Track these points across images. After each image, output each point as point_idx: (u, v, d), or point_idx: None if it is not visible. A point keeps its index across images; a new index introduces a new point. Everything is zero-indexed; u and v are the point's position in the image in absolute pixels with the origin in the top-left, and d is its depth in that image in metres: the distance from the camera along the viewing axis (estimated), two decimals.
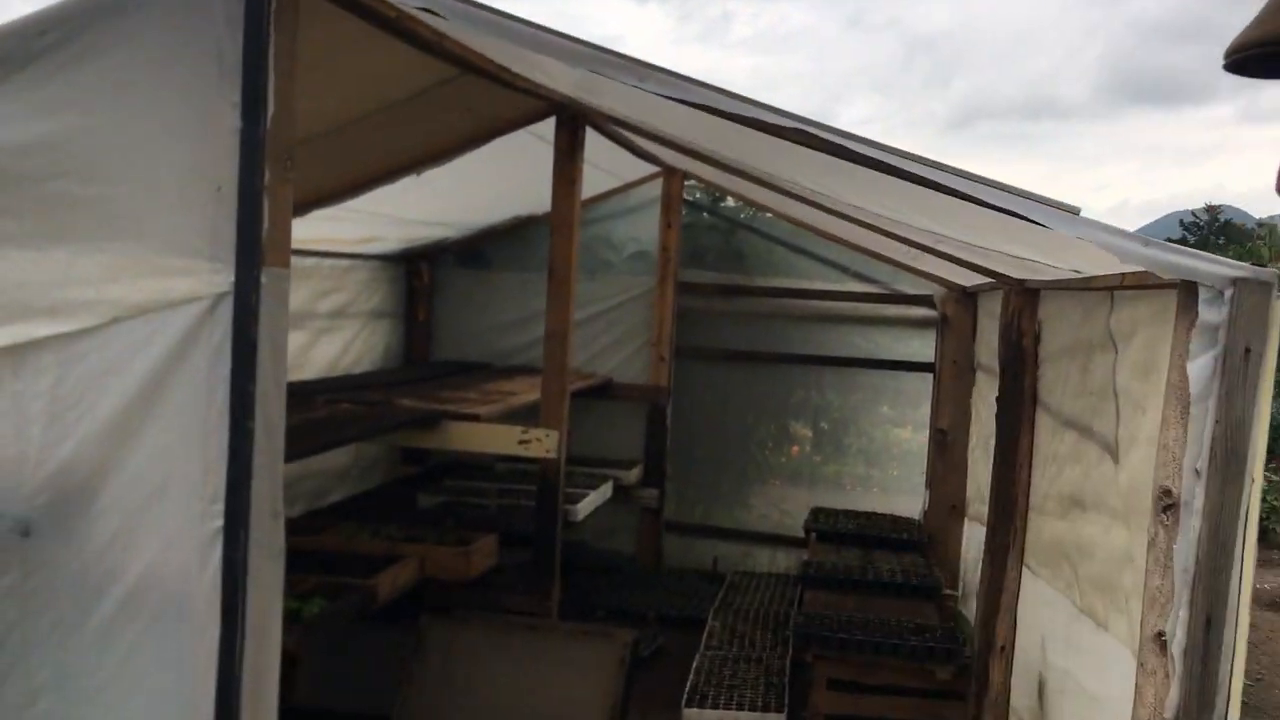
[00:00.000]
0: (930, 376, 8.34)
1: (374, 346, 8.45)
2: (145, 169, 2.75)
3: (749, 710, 5.77)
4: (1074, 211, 2.79)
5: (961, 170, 2.80)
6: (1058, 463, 4.78)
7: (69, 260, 2.70)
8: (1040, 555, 4.91)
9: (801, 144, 2.87)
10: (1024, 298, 5.28)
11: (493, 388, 7.23)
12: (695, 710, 5.79)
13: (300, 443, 4.58)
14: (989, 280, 6.26)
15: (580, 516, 6.99)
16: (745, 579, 8.36)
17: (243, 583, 2.81)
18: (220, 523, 2.81)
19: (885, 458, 8.88)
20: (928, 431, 8.62)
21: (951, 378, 8.03)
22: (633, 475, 8.35)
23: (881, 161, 2.79)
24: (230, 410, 2.77)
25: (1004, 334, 5.36)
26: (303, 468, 7.44)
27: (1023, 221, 2.77)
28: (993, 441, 6.83)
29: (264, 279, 2.78)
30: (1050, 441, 4.92)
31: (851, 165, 2.90)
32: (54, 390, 2.74)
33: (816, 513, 8.12)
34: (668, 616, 7.56)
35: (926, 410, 8.65)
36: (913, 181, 2.82)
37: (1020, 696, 5.10)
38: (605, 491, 7.74)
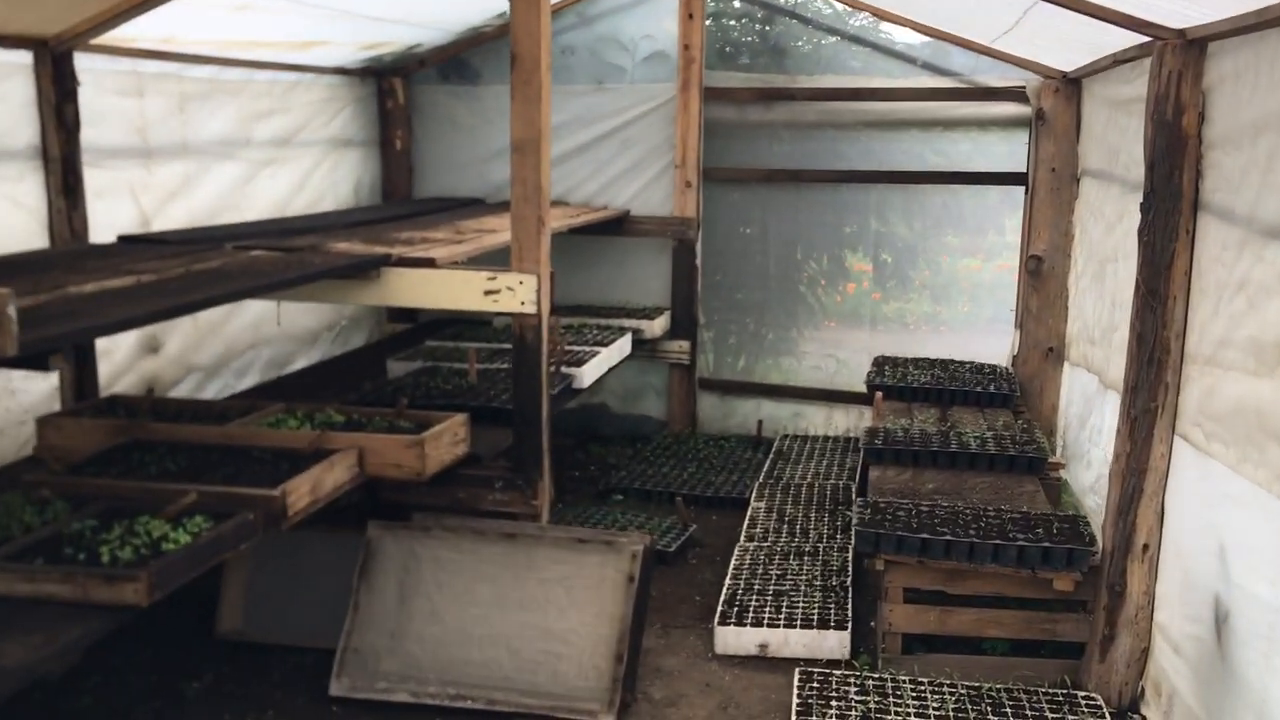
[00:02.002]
0: (1019, 191, 6.72)
1: (339, 183, 6.99)
2: None
3: (800, 628, 4.47)
4: None
5: None
6: (1249, 293, 3.25)
7: None
8: (1217, 425, 3.43)
9: None
10: (1184, 56, 3.67)
11: (471, 225, 5.77)
12: (732, 629, 4.49)
13: (126, 307, 3.19)
14: (1110, 55, 4.60)
15: (586, 382, 5.61)
16: (796, 445, 6.99)
17: None
18: None
19: (953, 292, 7.34)
20: (1000, 261, 7.09)
21: (1049, 190, 6.42)
22: (657, 326, 6.93)
23: None
24: None
25: (1154, 113, 3.76)
26: (255, 333, 6.13)
27: None
28: (1110, 267, 5.28)
29: None
30: (1233, 262, 3.38)
31: None
32: None
33: (881, 363, 6.67)
34: (701, 497, 6.24)
35: (996, 237, 7.08)
36: None
37: (1178, 619, 3.70)
38: (622, 347, 6.34)
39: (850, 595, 4.73)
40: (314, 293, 4.32)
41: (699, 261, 7.26)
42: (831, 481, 6.25)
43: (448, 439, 4.30)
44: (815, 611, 4.58)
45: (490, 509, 4.46)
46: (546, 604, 4.11)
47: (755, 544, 5.35)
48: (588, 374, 5.62)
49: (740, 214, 7.43)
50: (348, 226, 5.55)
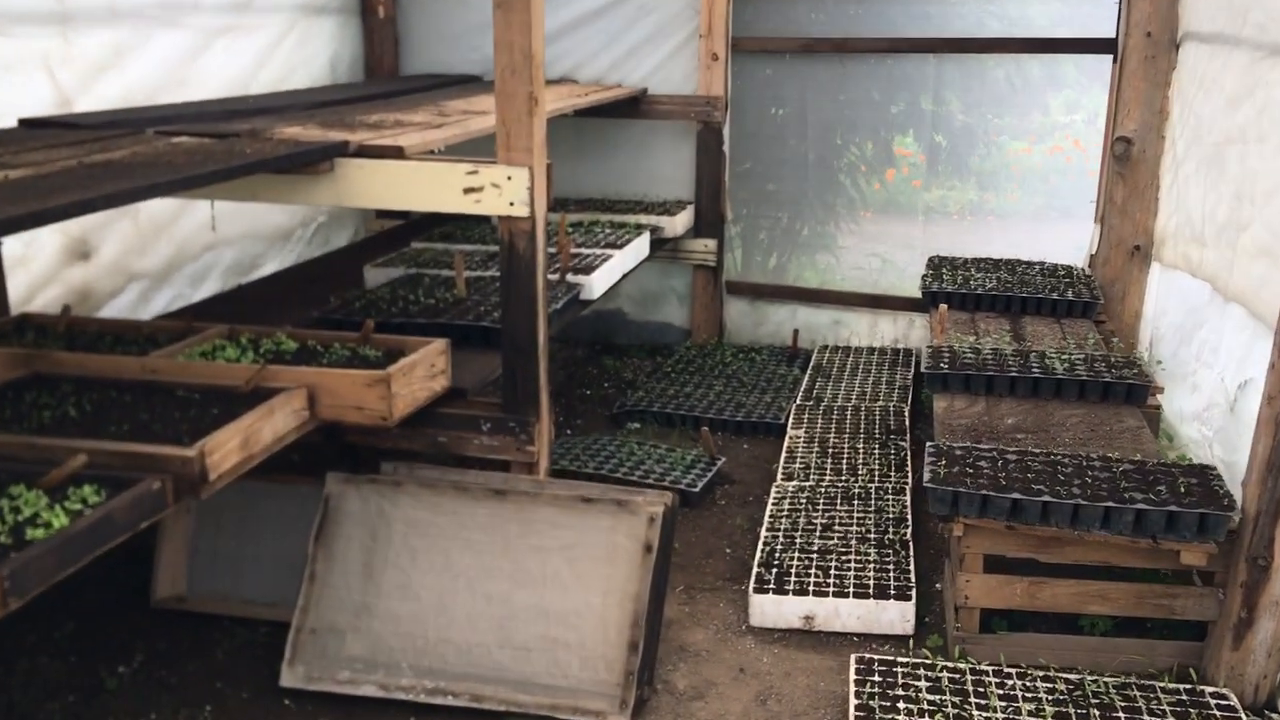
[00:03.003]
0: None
1: (312, 58, 6.04)
2: None
3: (853, 597, 3.69)
4: None
5: None
6: None
7: None
8: None
9: None
10: None
11: (459, 106, 4.86)
12: (770, 598, 3.72)
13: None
14: None
15: (596, 292, 4.77)
16: (836, 358, 6.15)
17: None
18: None
19: (1001, 179, 6.40)
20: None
21: (1142, 59, 5.42)
22: (679, 223, 6.04)
23: None
24: None
25: None
26: (213, 233, 5.28)
27: None
28: (1234, 152, 4.33)
29: None
30: None
31: None
32: None
33: (938, 266, 5.78)
34: (730, 422, 5.43)
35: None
36: None
37: None
38: (639, 249, 5.47)
39: (912, 553, 3.94)
40: (244, 190, 3.45)
41: (726, 148, 6.31)
42: (880, 404, 5.42)
43: (422, 372, 3.47)
44: (870, 575, 3.80)
45: (477, 455, 3.66)
46: (544, 578, 3.33)
47: (795, 484, 4.55)
48: (597, 283, 4.77)
49: (774, 92, 6.45)
50: (310, 108, 4.63)
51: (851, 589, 3.71)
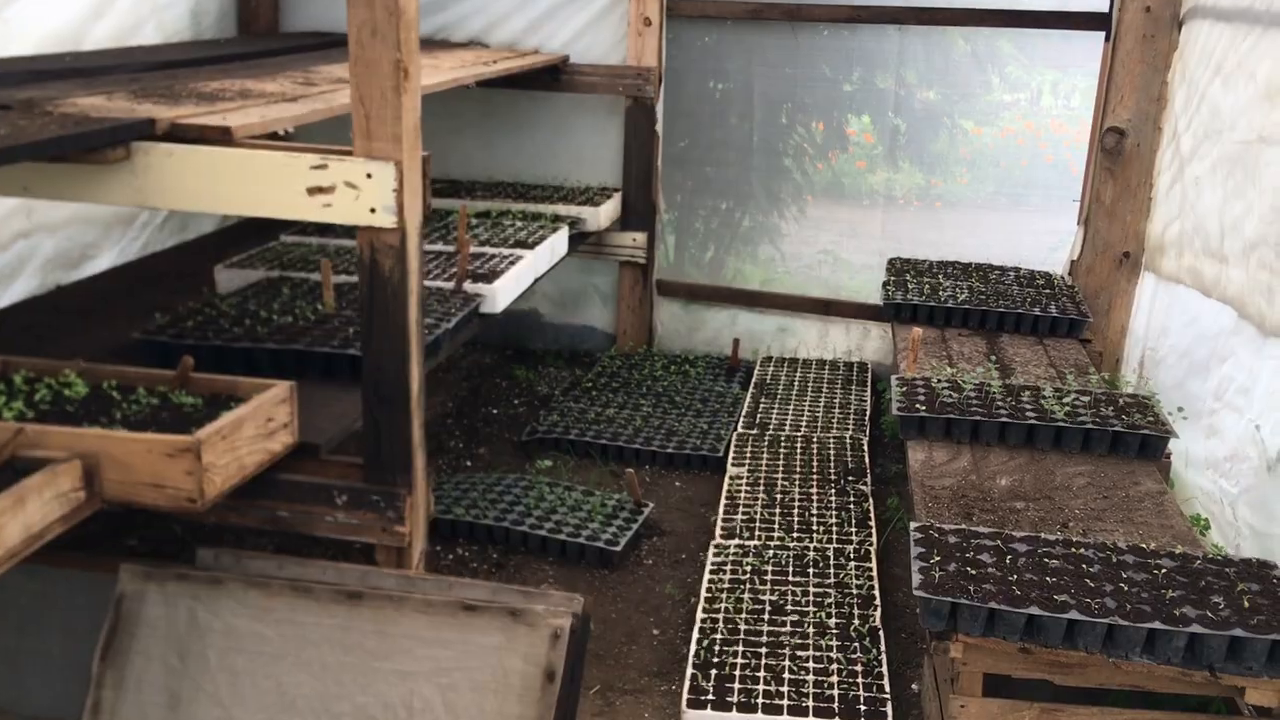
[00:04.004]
0: (1096, 39, 4.99)
1: (168, 6, 5.04)
2: None
3: (815, 717, 2.91)
4: None
5: None
6: None
7: None
8: None
9: None
10: None
11: (333, 74, 3.94)
12: (710, 715, 2.93)
13: None
14: None
15: (500, 304, 3.92)
16: (783, 372, 5.37)
17: None
18: None
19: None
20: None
21: (1139, 39, 4.69)
22: (604, 214, 5.19)
23: None
24: None
25: None
26: (29, 217, 4.32)
27: None
28: (1270, 154, 3.63)
29: None
30: None
31: None
32: None
33: (901, 272, 5.03)
34: (660, 454, 4.63)
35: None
36: None
37: None
38: (555, 247, 4.62)
39: (884, 649, 3.18)
40: (10, 183, 2.54)
41: (659, 127, 5.48)
42: (834, 433, 4.65)
43: (253, 429, 2.60)
44: (834, 679, 3.03)
45: (331, 536, 2.80)
46: (410, 714, 2.50)
47: (737, 543, 3.76)
48: (502, 293, 3.92)
49: (714, 64, 5.62)
50: (142, 70, 3.68)
51: (811, 703, 2.93)
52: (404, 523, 2.74)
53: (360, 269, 2.63)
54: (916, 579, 2.55)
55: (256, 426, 2.61)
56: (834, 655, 3.13)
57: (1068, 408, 3.51)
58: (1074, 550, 2.73)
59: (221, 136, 2.63)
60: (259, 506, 2.76)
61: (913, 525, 2.84)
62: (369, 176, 2.50)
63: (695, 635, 3.23)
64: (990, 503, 3.13)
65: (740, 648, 3.16)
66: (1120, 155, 4.80)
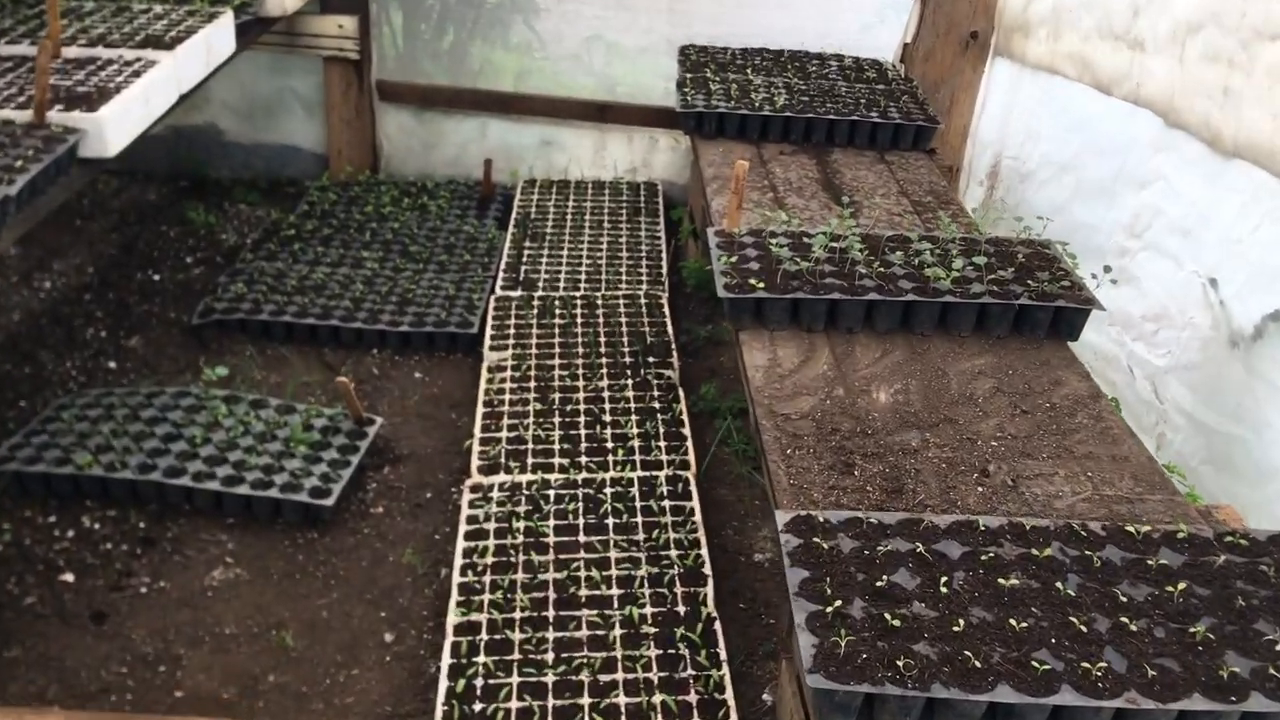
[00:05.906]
0: None
1: None
2: None
3: None
4: None
5: None
6: None
7: None
8: None
9: None
10: None
11: None
12: None
13: None
14: None
15: (115, 144, 2.55)
16: (552, 202, 4.15)
17: None
18: None
19: None
20: None
21: None
22: None
23: None
24: None
25: None
26: None
27: None
28: None
29: None
30: None
31: None
32: None
33: (697, 65, 3.83)
34: (391, 333, 3.38)
35: None
36: None
37: None
38: (214, 41, 3.15)
39: (722, 645, 2.19)
40: None
41: None
42: (625, 290, 3.53)
43: None
44: (655, 702, 2.02)
45: None
46: None
47: (501, 480, 2.65)
48: (114, 124, 2.53)
49: None
50: None
51: None
52: None
53: None
54: (807, 654, 1.51)
55: None
56: (651, 668, 2.11)
57: (956, 274, 2.50)
58: (1033, 552, 1.74)
59: None
60: None
61: (779, 516, 1.78)
62: None
63: (447, 651, 2.14)
64: (873, 438, 2.12)
65: (514, 667, 2.10)
66: None
